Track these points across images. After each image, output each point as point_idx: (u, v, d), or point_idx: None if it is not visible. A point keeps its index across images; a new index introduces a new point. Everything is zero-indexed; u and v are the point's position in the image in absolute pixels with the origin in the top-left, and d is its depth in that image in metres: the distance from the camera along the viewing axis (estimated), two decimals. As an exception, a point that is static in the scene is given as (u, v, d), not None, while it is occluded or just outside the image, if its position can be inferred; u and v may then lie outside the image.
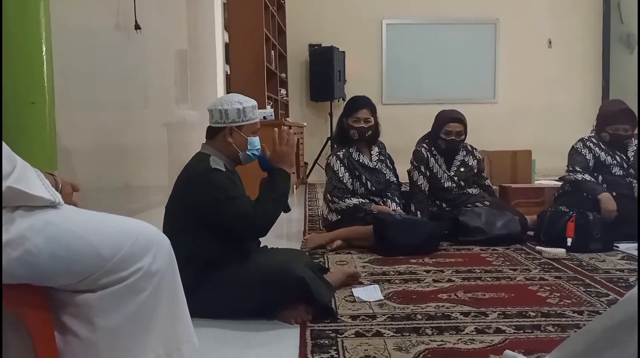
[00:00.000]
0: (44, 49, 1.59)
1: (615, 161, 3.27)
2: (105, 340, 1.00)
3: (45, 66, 1.59)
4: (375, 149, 3.32)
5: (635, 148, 3.30)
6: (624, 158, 3.29)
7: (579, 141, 3.40)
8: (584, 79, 7.53)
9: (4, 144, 0.90)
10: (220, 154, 2.02)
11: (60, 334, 1.01)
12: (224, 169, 1.97)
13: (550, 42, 7.42)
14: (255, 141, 2.04)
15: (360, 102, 3.26)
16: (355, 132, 3.21)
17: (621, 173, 3.26)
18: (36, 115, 1.54)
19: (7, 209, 0.92)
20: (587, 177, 3.22)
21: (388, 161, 3.37)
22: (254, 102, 2.06)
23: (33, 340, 0.97)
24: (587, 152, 3.32)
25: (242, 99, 2.03)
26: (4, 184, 0.88)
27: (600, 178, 3.26)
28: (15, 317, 0.99)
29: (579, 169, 3.27)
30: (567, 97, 7.46)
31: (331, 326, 1.82)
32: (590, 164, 3.29)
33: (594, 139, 3.36)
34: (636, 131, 3.30)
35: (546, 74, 7.32)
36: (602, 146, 3.32)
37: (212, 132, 2.03)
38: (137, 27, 2.60)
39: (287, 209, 2.07)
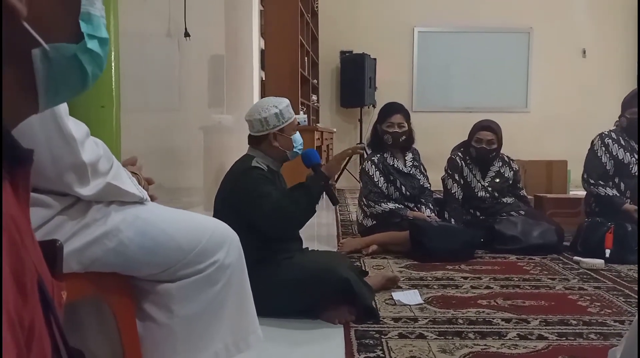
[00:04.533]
0: (113, 54, 1.69)
1: (633, 158, 3.12)
2: (181, 327, 1.08)
3: (113, 70, 1.69)
4: (410, 155, 3.37)
5: None
6: None
7: (597, 138, 3.23)
8: (619, 90, 7.37)
9: (103, 144, 0.99)
10: (267, 156, 2.09)
11: (141, 320, 1.08)
12: (264, 168, 2.04)
13: (584, 52, 7.34)
14: (298, 138, 2.10)
15: (394, 108, 3.32)
16: (390, 137, 3.26)
17: None
18: (105, 118, 1.64)
19: (102, 204, 1.01)
20: (609, 192, 3.13)
21: (422, 167, 3.41)
22: (287, 101, 2.11)
23: (118, 324, 1.05)
24: (604, 153, 3.17)
25: (275, 102, 2.08)
26: (104, 181, 0.97)
27: (622, 184, 3.14)
28: (103, 302, 1.07)
29: (601, 182, 3.16)
30: (601, 107, 7.34)
31: (374, 327, 1.87)
32: (608, 167, 3.16)
33: (613, 135, 3.20)
34: None
35: (580, 84, 7.24)
36: (622, 141, 3.17)
37: (256, 140, 2.09)
38: (187, 34, 2.70)
39: (334, 201, 2.13)
